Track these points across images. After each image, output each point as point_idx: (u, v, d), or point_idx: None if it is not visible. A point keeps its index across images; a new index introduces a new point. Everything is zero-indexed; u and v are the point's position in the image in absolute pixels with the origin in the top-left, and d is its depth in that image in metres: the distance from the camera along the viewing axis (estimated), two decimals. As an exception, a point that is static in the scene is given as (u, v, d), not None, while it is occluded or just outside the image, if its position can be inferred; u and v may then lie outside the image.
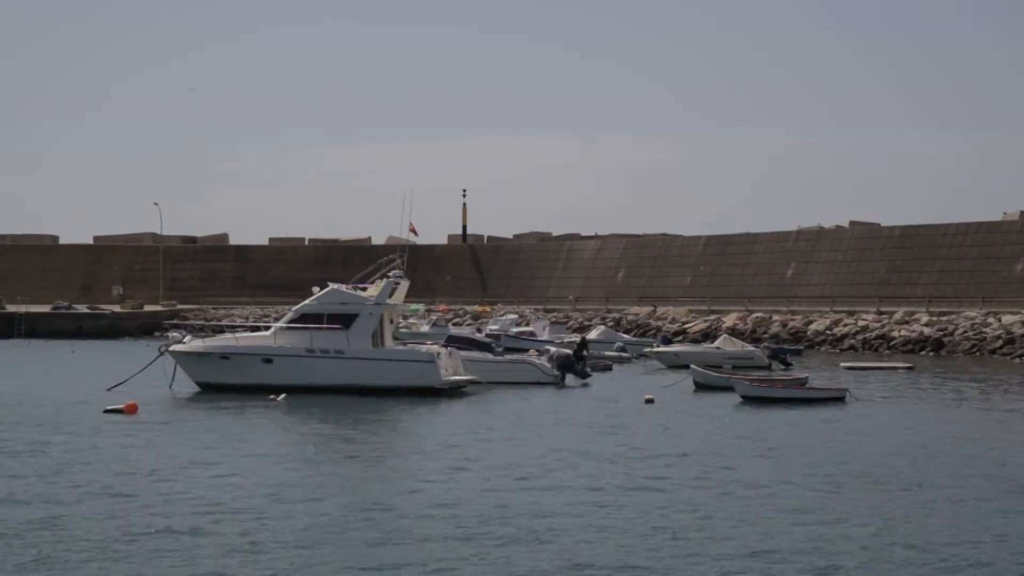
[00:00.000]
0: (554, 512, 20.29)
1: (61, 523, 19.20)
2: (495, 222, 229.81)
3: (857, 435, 30.97)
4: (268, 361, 42.15)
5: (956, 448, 28.40)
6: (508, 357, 48.46)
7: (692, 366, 47.93)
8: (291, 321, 43.02)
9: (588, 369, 49.43)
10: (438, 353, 42.76)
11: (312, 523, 19.34)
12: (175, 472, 24.33)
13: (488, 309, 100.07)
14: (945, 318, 73.29)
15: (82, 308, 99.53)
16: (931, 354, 68.22)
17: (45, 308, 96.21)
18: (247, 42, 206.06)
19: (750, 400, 39.99)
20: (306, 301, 43.44)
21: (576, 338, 63.90)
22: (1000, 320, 69.98)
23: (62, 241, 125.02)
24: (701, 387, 44.87)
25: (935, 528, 19.25)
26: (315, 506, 20.75)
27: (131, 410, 35.59)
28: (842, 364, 59.07)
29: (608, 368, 55.36)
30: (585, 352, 52.51)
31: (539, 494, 21.95)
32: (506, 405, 38.62)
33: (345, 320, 42.09)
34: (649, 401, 39.64)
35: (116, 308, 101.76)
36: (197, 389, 42.57)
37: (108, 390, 41.33)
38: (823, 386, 43.37)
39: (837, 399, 39.98)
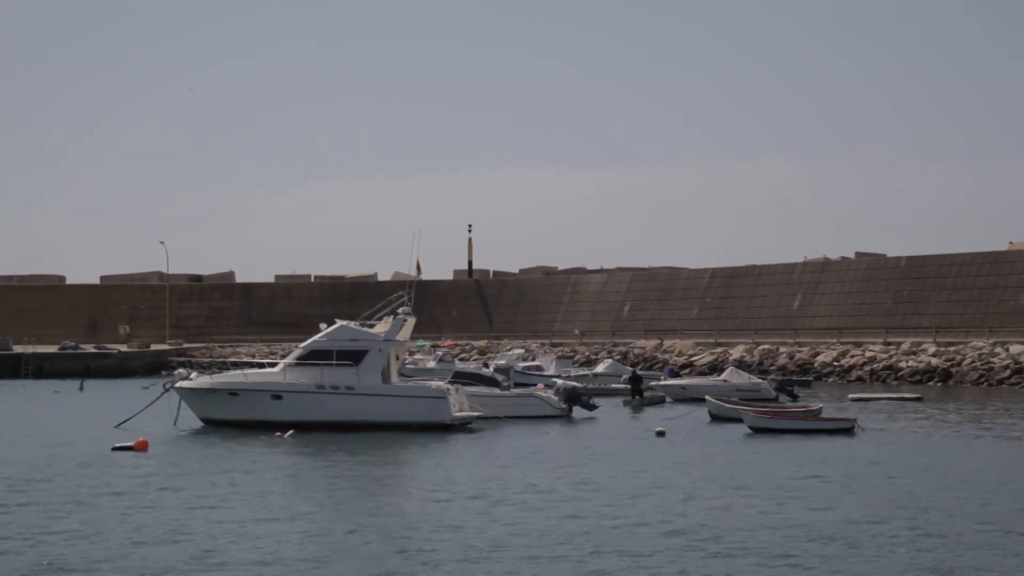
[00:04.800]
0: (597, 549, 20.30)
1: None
2: (500, 257, 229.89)
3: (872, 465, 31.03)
4: (277, 397, 42.22)
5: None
6: (515, 391, 48.68)
7: (707, 398, 48.22)
8: (300, 358, 43.10)
9: (594, 401, 49.62)
10: (447, 389, 42.86)
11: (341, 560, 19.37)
12: (190, 513, 24.37)
13: (488, 346, 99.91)
14: (952, 348, 73.23)
15: (89, 348, 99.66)
16: (939, 384, 68.12)
17: (52, 348, 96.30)
18: (257, 78, 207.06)
19: (758, 431, 40.14)
20: (315, 337, 43.52)
21: (628, 371, 64.72)
22: (1008, 350, 69.92)
23: (69, 281, 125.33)
24: (716, 418, 45.22)
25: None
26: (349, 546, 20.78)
27: (141, 447, 35.65)
28: (850, 396, 59.00)
29: (661, 401, 56.15)
30: (642, 386, 56.15)
31: (569, 529, 21.93)
32: (518, 441, 38.52)
33: (355, 356, 42.18)
34: (660, 433, 39.68)
35: (123, 347, 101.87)
36: (201, 425, 42.62)
37: (116, 427, 41.36)
38: (831, 417, 43.47)
39: (845, 430, 40.09)
